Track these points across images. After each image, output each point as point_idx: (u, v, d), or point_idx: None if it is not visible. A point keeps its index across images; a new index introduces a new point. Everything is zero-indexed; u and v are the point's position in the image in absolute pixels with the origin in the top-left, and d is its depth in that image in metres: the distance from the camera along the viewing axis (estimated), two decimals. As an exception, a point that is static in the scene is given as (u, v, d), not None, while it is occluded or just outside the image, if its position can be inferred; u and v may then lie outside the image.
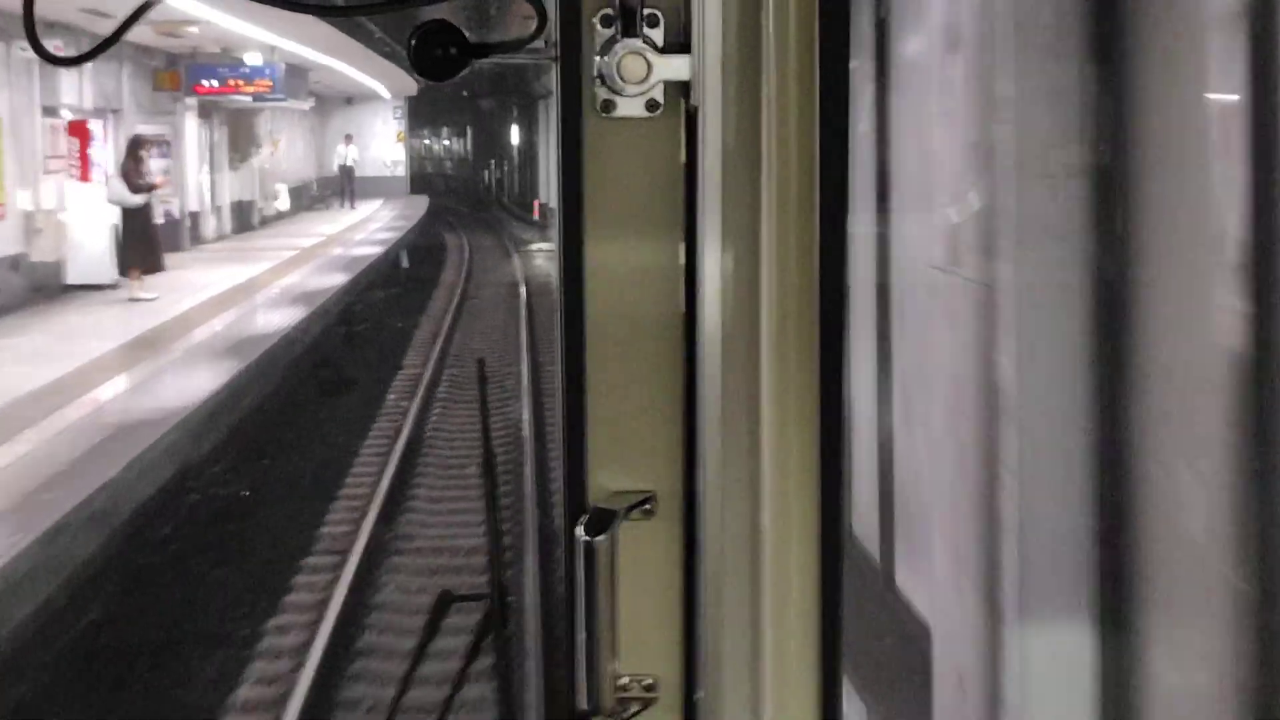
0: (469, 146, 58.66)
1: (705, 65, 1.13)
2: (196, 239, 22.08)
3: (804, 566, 1.12)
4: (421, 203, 36.74)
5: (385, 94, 39.27)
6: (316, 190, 35.74)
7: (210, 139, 23.72)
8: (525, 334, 14.26)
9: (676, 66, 1.16)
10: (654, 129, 1.17)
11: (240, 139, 26.12)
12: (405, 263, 21.08)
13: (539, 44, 1.20)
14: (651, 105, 1.17)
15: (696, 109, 1.15)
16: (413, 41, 1.18)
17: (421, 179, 52.47)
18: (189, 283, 15.95)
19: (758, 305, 1.12)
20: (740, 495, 1.13)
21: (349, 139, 34.92)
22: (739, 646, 1.13)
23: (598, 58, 1.16)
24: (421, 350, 13.87)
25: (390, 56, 26.89)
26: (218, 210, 24.15)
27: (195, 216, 22.34)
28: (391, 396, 11.55)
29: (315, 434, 10.14)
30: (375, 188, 39.64)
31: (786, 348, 1.12)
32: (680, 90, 1.17)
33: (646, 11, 1.15)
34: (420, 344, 14.32)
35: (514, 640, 5.82)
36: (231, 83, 21.73)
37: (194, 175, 22.33)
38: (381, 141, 41.70)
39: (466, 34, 1.19)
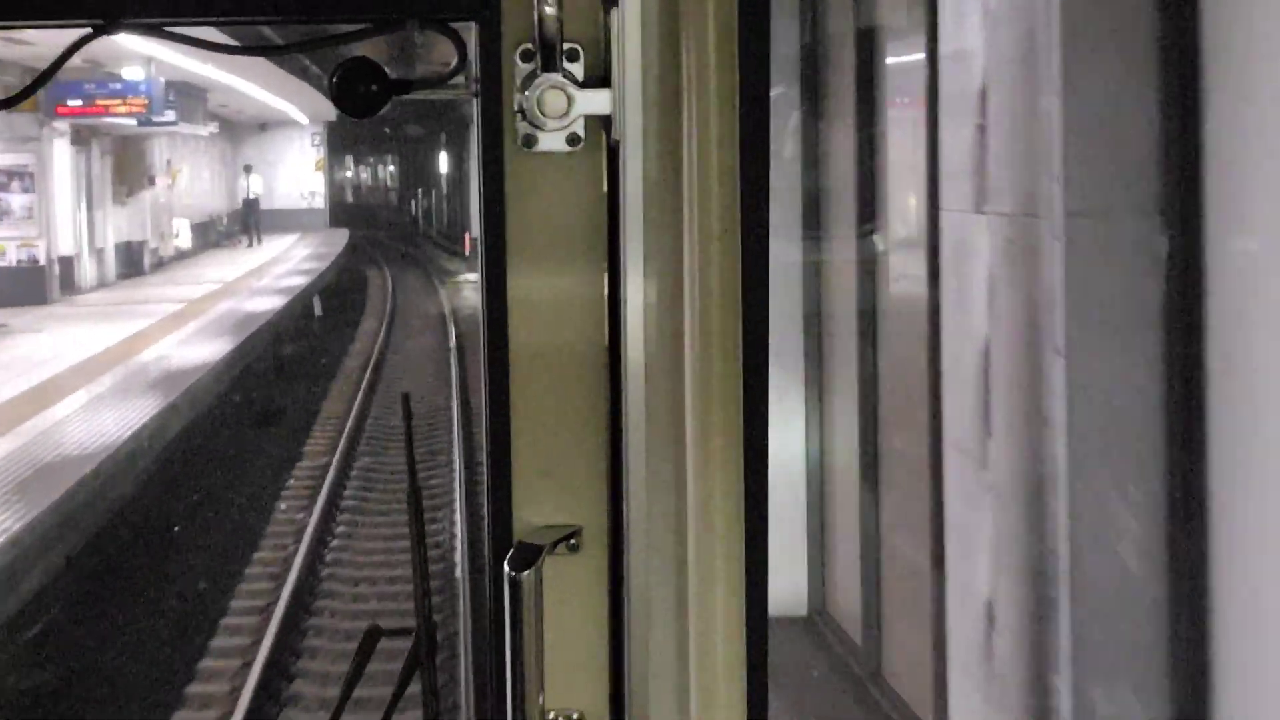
0: (394, 175, 59.06)
1: (626, 99, 1.30)
2: (69, 287, 21.07)
3: (730, 599, 1.26)
4: (341, 237, 36.77)
5: (301, 118, 39.65)
6: (225, 225, 35.90)
7: (88, 170, 22.81)
8: (456, 373, 13.87)
9: (597, 101, 1.32)
10: (575, 163, 1.33)
11: (127, 169, 25.62)
12: (318, 309, 20.78)
13: (459, 80, 1.36)
14: (573, 139, 1.33)
15: (618, 143, 1.31)
16: (334, 79, 1.33)
17: (342, 210, 52.65)
18: (24, 355, 13.87)
19: (681, 336, 1.28)
20: (666, 528, 1.28)
21: (249, 169, 35.61)
22: (666, 679, 1.27)
23: (518, 93, 1.32)
24: (326, 435, 11.83)
25: (303, 75, 26.70)
26: (98, 253, 23.45)
27: (68, 262, 21.32)
28: (281, 508, 9.72)
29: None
30: (291, 221, 40.03)
31: (710, 378, 1.27)
32: (601, 124, 1.33)
33: (566, 46, 1.32)
34: (326, 425, 12.38)
35: (442, 673, 6.13)
36: (101, 103, 19.87)
37: (67, 212, 21.30)
38: (297, 170, 42.19)
39: (388, 70, 1.35)
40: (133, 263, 25.40)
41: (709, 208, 1.27)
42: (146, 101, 20.48)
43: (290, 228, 39.23)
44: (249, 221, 34.63)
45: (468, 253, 34.00)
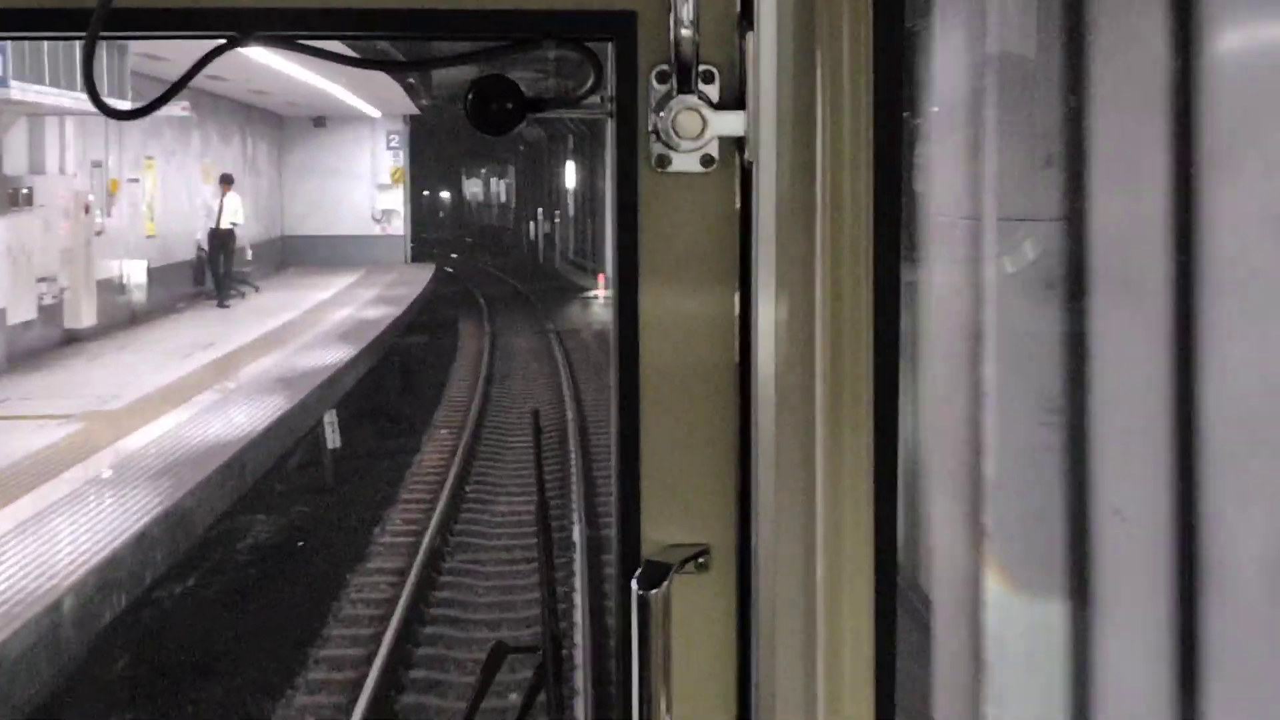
0: (505, 189, 60.87)
1: (760, 121, 1.90)
2: None
3: (858, 619, 1.83)
4: (422, 277, 37.55)
5: (371, 111, 40.83)
6: (251, 259, 35.20)
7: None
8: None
9: (731, 122, 1.93)
10: (709, 184, 1.94)
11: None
12: (334, 442, 16.76)
13: (595, 99, 1.98)
14: (706, 160, 1.94)
15: (751, 164, 1.92)
16: (469, 96, 1.97)
17: (429, 239, 53.67)
18: None
19: (812, 357, 1.86)
20: (795, 548, 1.86)
21: (226, 183, 31.94)
22: (794, 699, 1.84)
23: (653, 114, 1.93)
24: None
25: (373, 55, 26.89)
26: None
27: None
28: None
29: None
30: (355, 252, 41.26)
31: (841, 398, 1.85)
32: (735, 145, 1.94)
33: (702, 68, 1.93)
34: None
35: (567, 692, 7.95)
36: None
37: None
38: (365, 184, 42.95)
39: (522, 88, 1.98)
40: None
41: (841, 229, 1.86)
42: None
43: (353, 262, 40.16)
44: (216, 266, 31.15)
45: (601, 296, 35.08)
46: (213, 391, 19.21)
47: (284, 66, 27.86)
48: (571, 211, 50.87)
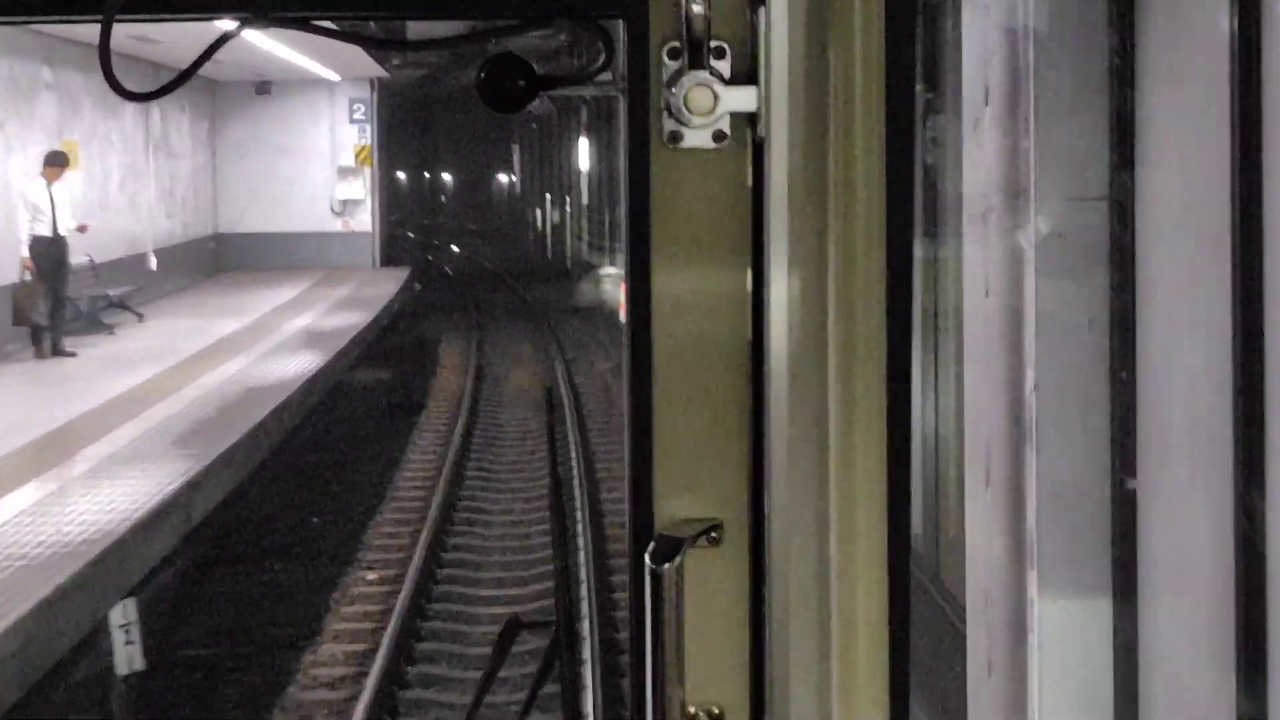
0: (506, 172, 60.89)
1: (772, 96, 2.48)
2: None
3: (872, 593, 2.40)
4: (388, 289, 35.78)
5: (329, 74, 39.83)
6: (154, 269, 32.81)
7: None
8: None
9: (743, 98, 2.52)
10: (721, 160, 2.52)
11: None
12: (131, 663, 11.21)
13: (606, 76, 2.57)
14: (718, 136, 2.52)
15: (763, 140, 2.49)
16: (482, 74, 2.56)
17: (406, 235, 52.60)
18: None
19: (825, 332, 2.43)
20: (807, 522, 2.43)
21: (54, 165, 27.54)
22: (807, 675, 2.42)
23: (665, 90, 2.51)
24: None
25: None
26: None
27: None
28: None
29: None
30: (308, 254, 39.89)
31: (853, 374, 2.42)
32: (747, 121, 2.53)
33: (713, 44, 2.51)
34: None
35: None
36: None
37: None
38: (322, 166, 42.01)
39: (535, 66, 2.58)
40: None
41: (854, 204, 2.43)
42: None
43: (305, 266, 38.68)
44: (37, 301, 26.55)
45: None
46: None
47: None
48: (586, 199, 51.36)
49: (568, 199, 54.08)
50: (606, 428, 22.96)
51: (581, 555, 15.52)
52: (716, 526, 2.50)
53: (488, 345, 32.46)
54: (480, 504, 19.80)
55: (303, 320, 31.52)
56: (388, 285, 37.58)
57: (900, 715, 2.42)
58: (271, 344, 28.13)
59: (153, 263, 33.80)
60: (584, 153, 50.51)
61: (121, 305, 30.46)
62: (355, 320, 31.38)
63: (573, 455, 21.18)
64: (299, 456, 21.79)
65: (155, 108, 35.91)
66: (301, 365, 25.68)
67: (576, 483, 19.28)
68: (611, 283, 37.05)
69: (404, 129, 56.76)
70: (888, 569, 2.41)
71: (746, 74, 2.53)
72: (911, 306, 2.45)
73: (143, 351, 27.01)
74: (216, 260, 40.56)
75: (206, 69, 37.61)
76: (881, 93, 2.40)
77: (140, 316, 30.85)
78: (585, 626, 13.01)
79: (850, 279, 2.41)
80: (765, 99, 2.50)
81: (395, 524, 18.61)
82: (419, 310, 37.12)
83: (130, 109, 33.87)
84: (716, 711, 2.51)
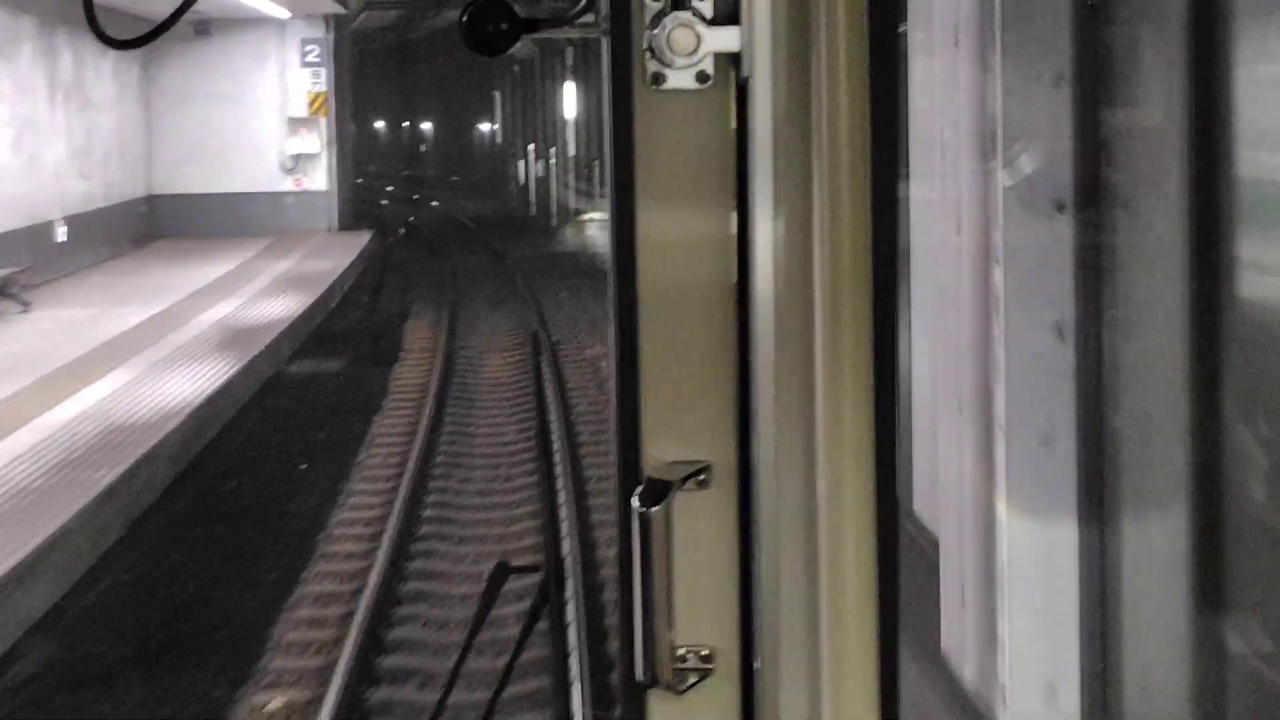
0: (485, 120, 60.92)
1: (754, 36, 2.59)
2: None
3: (860, 534, 2.61)
4: (345, 257, 33.39)
5: (278, 11, 38.29)
6: (70, 238, 29.96)
7: None
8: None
9: (726, 38, 2.66)
10: (704, 101, 2.70)
11: None
12: None
13: (588, 18, 2.89)
14: (701, 77, 2.67)
15: (747, 80, 2.72)
16: (464, 18, 2.85)
17: (370, 192, 52.07)
18: None
19: (810, 274, 2.63)
20: (795, 464, 2.61)
21: None
22: (796, 615, 2.59)
23: (647, 30, 2.68)
24: None
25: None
26: None
27: None
28: None
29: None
30: (255, 216, 39.12)
31: (840, 315, 2.62)
32: (730, 61, 2.67)
33: None
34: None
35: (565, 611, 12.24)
36: None
37: None
38: (270, 117, 41.10)
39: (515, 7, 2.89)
40: None
41: (838, 144, 2.57)
42: None
43: (252, 231, 37.91)
44: None
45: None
46: None
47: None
48: (572, 149, 51.56)
49: (552, 150, 54.35)
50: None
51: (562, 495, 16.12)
52: (705, 469, 2.68)
53: (460, 334, 29.50)
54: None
55: (225, 308, 28.43)
56: (341, 256, 35.41)
57: (889, 651, 2.55)
58: (168, 350, 24.51)
59: (60, 233, 32.48)
60: (569, 100, 50.63)
61: (1, 292, 26.85)
62: (291, 308, 28.39)
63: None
64: (228, 475, 18.47)
65: (66, 50, 34.57)
66: (197, 386, 21.55)
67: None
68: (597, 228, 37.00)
69: (370, 74, 56.58)
70: (875, 508, 2.57)
71: (729, 14, 2.68)
72: (897, 245, 2.56)
73: (7, 356, 22.90)
74: (148, 226, 39.86)
75: (137, 6, 38.15)
76: (865, 31, 2.55)
77: (26, 306, 27.88)
78: (569, 563, 13.81)
79: (836, 218, 2.57)
80: (748, 39, 2.64)
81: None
82: (379, 288, 34.54)
83: (25, 50, 32.46)
84: (706, 653, 2.69)
